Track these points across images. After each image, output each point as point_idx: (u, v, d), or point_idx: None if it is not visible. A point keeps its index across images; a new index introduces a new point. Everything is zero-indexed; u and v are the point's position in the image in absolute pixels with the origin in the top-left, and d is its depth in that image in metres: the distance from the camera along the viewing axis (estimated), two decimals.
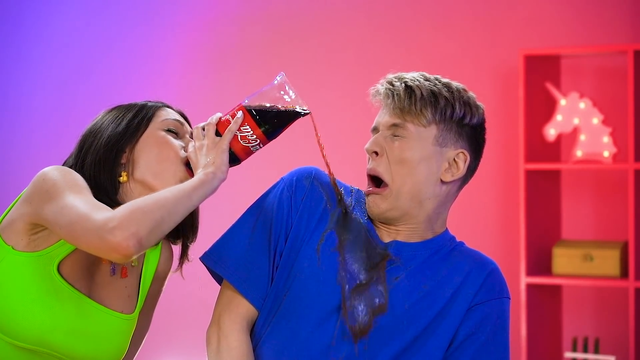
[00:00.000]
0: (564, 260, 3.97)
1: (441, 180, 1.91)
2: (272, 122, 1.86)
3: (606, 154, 3.93)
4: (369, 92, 1.98)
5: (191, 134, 1.97)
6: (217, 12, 4.78)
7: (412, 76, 1.93)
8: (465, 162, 1.92)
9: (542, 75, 4.04)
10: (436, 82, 1.92)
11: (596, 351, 3.97)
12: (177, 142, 1.94)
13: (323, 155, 1.94)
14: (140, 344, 2.09)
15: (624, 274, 3.91)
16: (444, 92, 1.90)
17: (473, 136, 1.94)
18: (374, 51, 4.47)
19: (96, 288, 1.92)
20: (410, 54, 4.38)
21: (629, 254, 3.83)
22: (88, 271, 1.91)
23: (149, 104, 1.98)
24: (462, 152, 1.92)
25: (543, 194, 4.08)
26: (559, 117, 3.98)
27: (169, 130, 1.95)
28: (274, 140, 1.91)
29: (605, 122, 3.95)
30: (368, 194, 1.93)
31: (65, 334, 1.85)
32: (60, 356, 1.87)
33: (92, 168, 1.90)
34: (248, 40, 4.71)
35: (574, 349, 4.00)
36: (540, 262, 4.04)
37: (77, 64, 5.01)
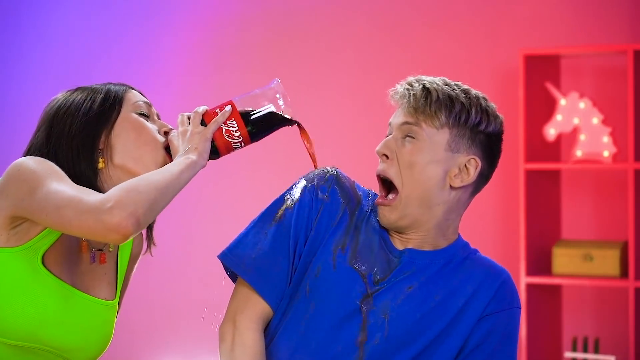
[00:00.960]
0: (564, 260, 3.97)
1: (450, 186, 1.90)
2: (258, 123, 1.87)
3: (606, 153, 3.93)
4: (387, 93, 1.96)
5: (157, 115, 1.97)
6: (217, 12, 4.78)
7: (432, 79, 1.92)
8: (476, 168, 1.91)
9: (542, 75, 4.04)
10: (455, 87, 1.92)
11: (596, 351, 3.97)
12: (151, 126, 1.93)
13: (315, 164, 1.94)
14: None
15: (624, 273, 3.91)
16: (462, 97, 1.89)
17: (487, 144, 1.93)
18: (373, 51, 4.47)
19: (79, 277, 1.90)
20: (410, 54, 4.38)
21: (629, 253, 3.84)
22: (70, 261, 1.89)
23: (114, 86, 1.96)
24: (473, 158, 1.91)
25: (543, 193, 4.08)
26: (558, 117, 3.98)
27: (141, 114, 1.94)
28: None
29: (605, 122, 3.95)
30: (378, 204, 1.92)
31: (54, 326, 1.84)
32: (50, 349, 1.85)
33: (70, 155, 1.87)
34: (248, 40, 4.71)
35: (574, 349, 4.00)
36: (540, 262, 4.05)
37: (77, 64, 5.01)
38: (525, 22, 4.23)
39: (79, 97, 1.93)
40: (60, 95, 1.95)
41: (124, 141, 1.89)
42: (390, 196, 1.90)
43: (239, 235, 1.95)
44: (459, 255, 1.94)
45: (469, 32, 4.32)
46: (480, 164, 1.92)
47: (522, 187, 3.97)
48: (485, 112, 1.91)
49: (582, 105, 3.96)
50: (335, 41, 4.55)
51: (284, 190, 1.97)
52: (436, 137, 1.88)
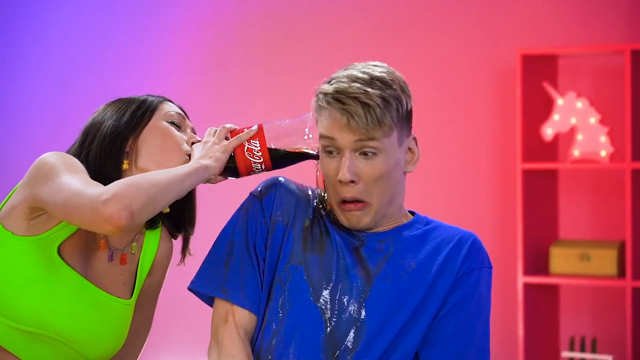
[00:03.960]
0: (561, 259, 3.98)
1: (404, 172, 1.94)
2: (281, 150, 1.91)
3: (603, 153, 3.93)
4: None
5: (192, 128, 2.03)
6: (216, 12, 4.79)
7: (356, 88, 1.84)
8: (416, 143, 1.94)
9: (539, 75, 4.04)
10: (377, 83, 1.85)
11: (593, 350, 3.98)
12: (179, 134, 1.99)
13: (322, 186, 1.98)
14: (146, 337, 2.11)
15: (621, 273, 3.92)
16: (389, 92, 1.86)
17: (409, 113, 1.92)
18: (372, 51, 4.47)
19: (93, 273, 1.95)
20: (409, 54, 4.39)
21: (626, 253, 3.84)
22: (86, 255, 1.95)
23: (151, 97, 2.02)
24: (412, 137, 1.94)
25: (540, 193, 4.08)
26: (556, 117, 3.99)
27: (172, 123, 1.99)
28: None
29: (602, 121, 3.95)
30: (346, 210, 1.91)
31: (65, 316, 1.88)
32: (60, 339, 1.90)
33: (98, 155, 1.94)
34: (247, 40, 4.72)
35: (571, 349, 4.00)
36: (537, 262, 4.05)
37: (76, 64, 5.02)
38: (522, 22, 4.24)
39: (116, 106, 2.00)
40: (101, 107, 2.03)
41: (149, 146, 1.96)
42: (360, 204, 1.90)
43: (202, 262, 1.98)
44: (421, 225, 1.97)
45: (467, 31, 4.32)
46: (414, 135, 1.94)
47: (520, 187, 3.97)
48: (405, 90, 1.90)
49: (579, 105, 3.97)
50: (335, 41, 4.56)
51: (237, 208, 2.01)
52: (390, 141, 1.88)
